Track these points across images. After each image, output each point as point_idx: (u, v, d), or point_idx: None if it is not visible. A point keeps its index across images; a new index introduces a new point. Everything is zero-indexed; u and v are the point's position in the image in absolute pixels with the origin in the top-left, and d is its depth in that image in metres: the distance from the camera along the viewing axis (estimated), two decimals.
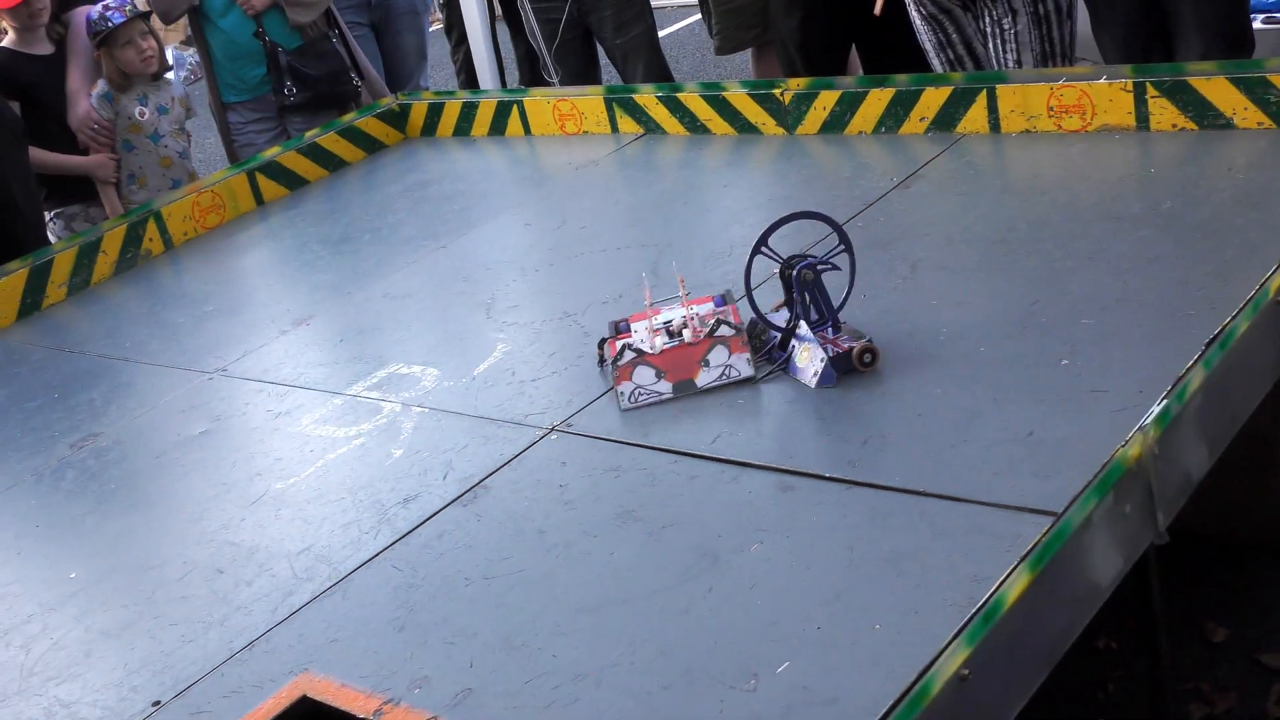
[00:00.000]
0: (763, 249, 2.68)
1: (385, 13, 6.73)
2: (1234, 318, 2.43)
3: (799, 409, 2.59)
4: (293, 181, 4.84)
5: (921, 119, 3.72)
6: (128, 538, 2.74)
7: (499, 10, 7.59)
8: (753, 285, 2.66)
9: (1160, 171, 3.23)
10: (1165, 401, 2.22)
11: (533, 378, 2.95)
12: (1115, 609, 2.12)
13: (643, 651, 2.01)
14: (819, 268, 2.65)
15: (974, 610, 1.87)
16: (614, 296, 3.25)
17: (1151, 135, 3.37)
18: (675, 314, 2.79)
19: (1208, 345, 2.36)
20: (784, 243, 2.77)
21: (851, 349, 2.57)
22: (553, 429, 2.71)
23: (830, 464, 2.36)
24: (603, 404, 2.76)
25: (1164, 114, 3.35)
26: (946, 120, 3.69)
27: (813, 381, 2.54)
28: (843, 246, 2.68)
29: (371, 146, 5.02)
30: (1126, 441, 2.14)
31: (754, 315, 2.72)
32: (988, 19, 4.46)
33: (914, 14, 4.61)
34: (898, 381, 2.58)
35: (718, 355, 2.63)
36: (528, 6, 6.16)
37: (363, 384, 3.13)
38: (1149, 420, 2.17)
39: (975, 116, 3.63)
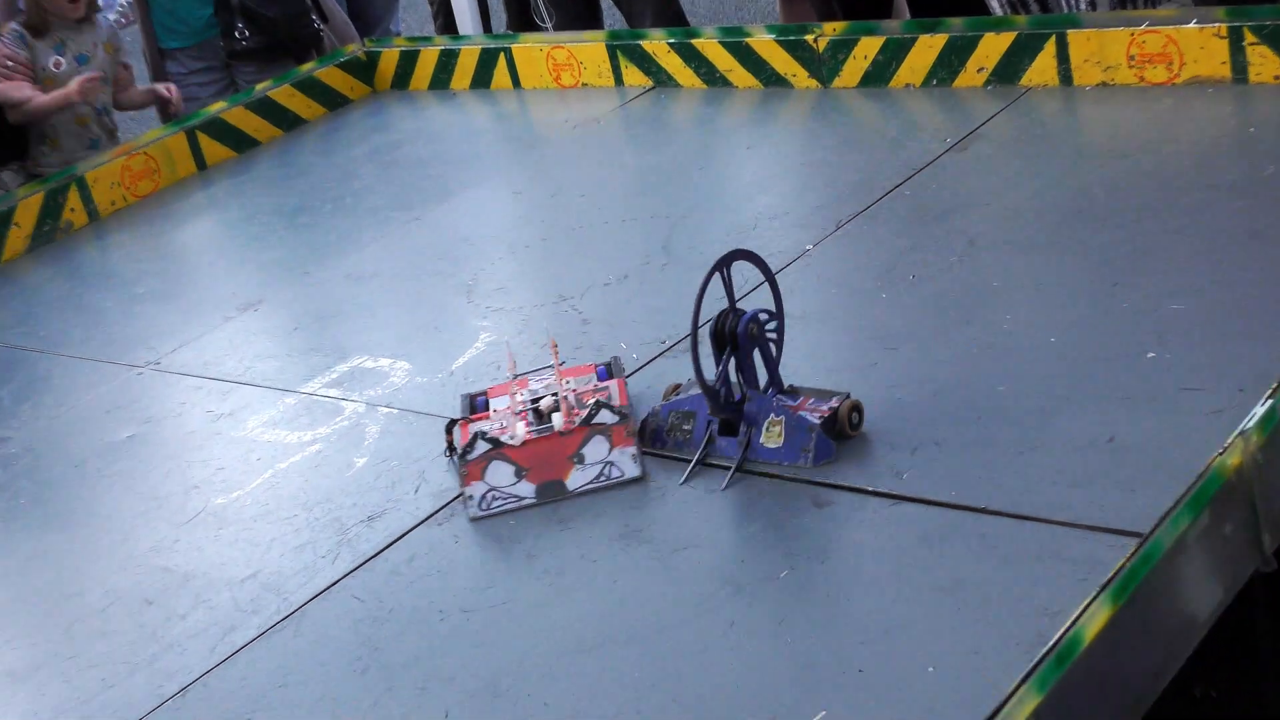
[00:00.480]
0: (722, 270, 2.41)
1: None
2: None
3: None
4: (241, 142, 4.81)
5: (980, 70, 3.69)
6: (40, 561, 2.71)
7: None
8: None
9: (1261, 131, 3.19)
10: (1270, 401, 2.18)
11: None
12: (1214, 649, 2.09)
13: (651, 699, 1.98)
14: (763, 318, 2.43)
15: (1045, 650, 1.84)
16: (618, 278, 3.22)
17: (1250, 89, 3.33)
18: (546, 389, 2.55)
19: None
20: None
21: (834, 409, 2.40)
22: None
23: (874, 476, 2.33)
24: None
25: (1265, 64, 3.32)
26: (1009, 71, 3.65)
27: (809, 459, 2.36)
28: (772, 317, 2.46)
29: (334, 102, 4.99)
30: (1225, 449, 2.11)
31: (659, 406, 2.47)
32: None
33: None
34: (954, 378, 2.54)
35: (595, 449, 2.40)
36: None
37: (321, 380, 3.11)
38: (1251, 424, 2.14)
39: (1043, 67, 3.60)
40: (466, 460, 2.43)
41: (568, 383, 2.59)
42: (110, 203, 4.56)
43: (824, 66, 3.96)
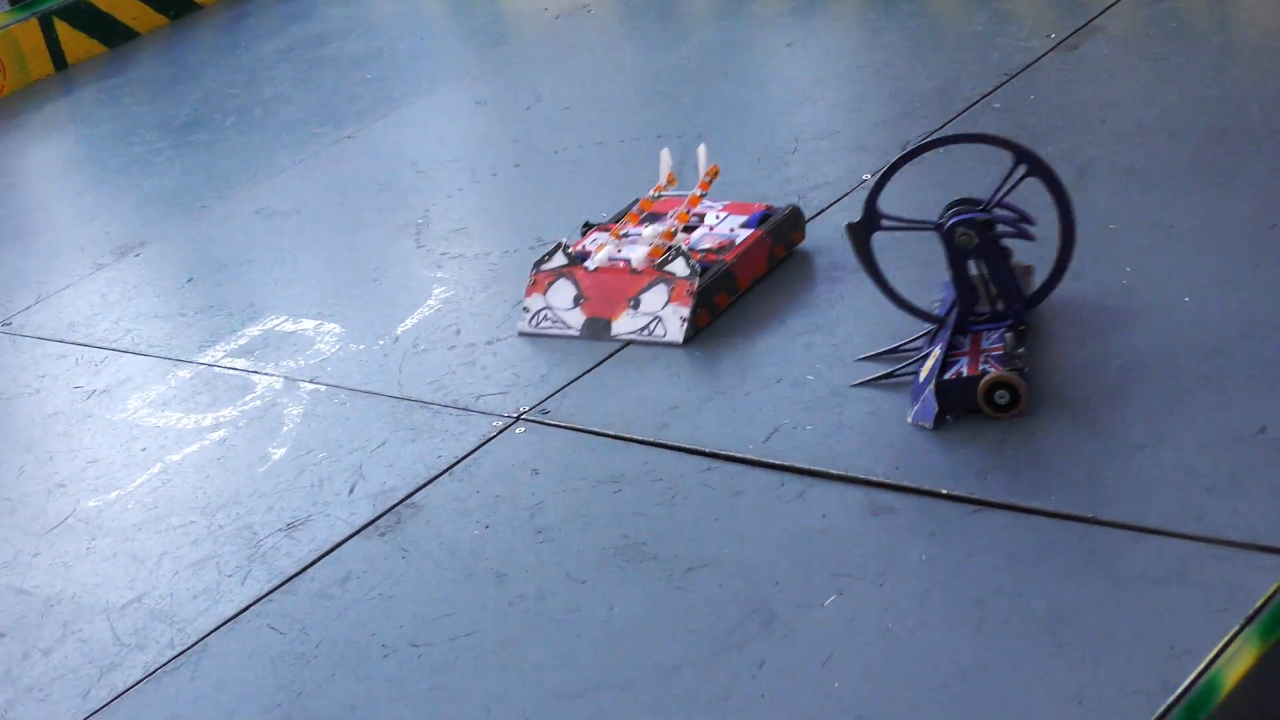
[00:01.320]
0: (883, 222, 2.57)
1: None
2: None
3: (901, 389, 2.61)
4: (112, 32, 4.84)
5: None
6: None
7: None
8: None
9: None
10: None
11: (488, 339, 2.97)
12: None
13: None
14: (996, 230, 2.54)
15: (1171, 699, 1.88)
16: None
17: None
18: (647, 227, 3.01)
19: None
20: (962, 180, 2.67)
21: (982, 376, 2.47)
22: (519, 417, 2.73)
23: (949, 473, 2.37)
24: (596, 380, 2.79)
25: None
26: None
27: (909, 415, 2.53)
28: (1018, 228, 2.56)
29: None
30: None
31: (888, 291, 2.64)
32: None
33: None
34: (1054, 349, 2.59)
35: (653, 299, 2.87)
36: None
37: (224, 347, 3.15)
38: None
39: None
40: (538, 269, 2.99)
41: (694, 216, 3.08)
42: None
43: None
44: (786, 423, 2.57)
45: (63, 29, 4.78)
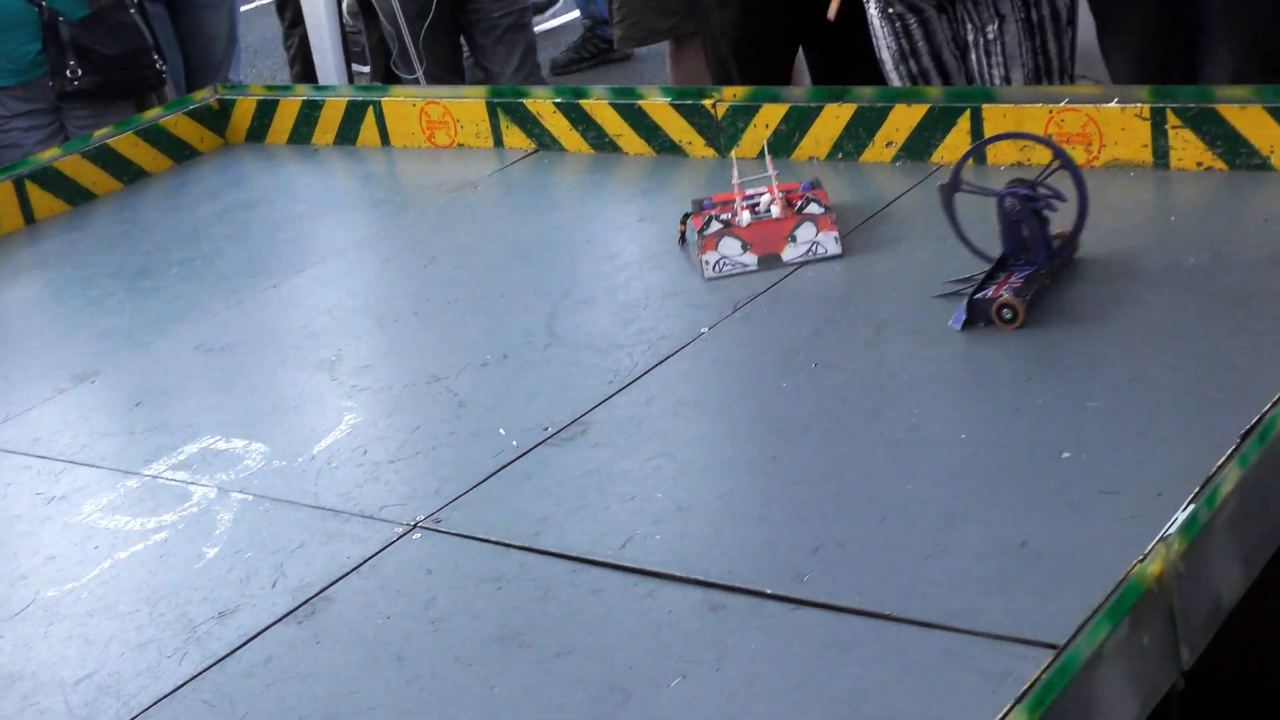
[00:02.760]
0: (963, 186, 3.08)
1: None
2: (1275, 404, 2.51)
3: (734, 505, 2.62)
4: (74, 194, 4.80)
5: (889, 144, 3.81)
6: None
7: None
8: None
9: (1182, 221, 3.34)
10: (1192, 507, 2.27)
11: (390, 459, 2.96)
12: None
13: None
14: (1036, 193, 3.03)
15: None
16: (497, 356, 3.27)
17: (1172, 175, 3.48)
18: (762, 196, 3.45)
19: (1243, 438, 2.42)
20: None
21: (996, 298, 2.91)
22: (416, 525, 2.72)
23: (772, 578, 2.38)
24: (482, 494, 2.78)
25: (1187, 149, 3.46)
26: (920, 147, 3.77)
27: (950, 320, 2.97)
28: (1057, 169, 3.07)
29: (181, 153, 5.01)
30: (1144, 556, 2.18)
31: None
32: (969, 25, 4.58)
33: (873, 11, 4.70)
34: (859, 476, 2.62)
35: (805, 232, 3.31)
36: None
37: (166, 461, 3.12)
38: (1172, 530, 2.22)
39: (956, 143, 3.72)
40: (704, 235, 3.34)
41: (779, 192, 3.44)
42: None
43: (722, 134, 4.05)
44: (639, 533, 2.57)
45: (31, 190, 4.77)
